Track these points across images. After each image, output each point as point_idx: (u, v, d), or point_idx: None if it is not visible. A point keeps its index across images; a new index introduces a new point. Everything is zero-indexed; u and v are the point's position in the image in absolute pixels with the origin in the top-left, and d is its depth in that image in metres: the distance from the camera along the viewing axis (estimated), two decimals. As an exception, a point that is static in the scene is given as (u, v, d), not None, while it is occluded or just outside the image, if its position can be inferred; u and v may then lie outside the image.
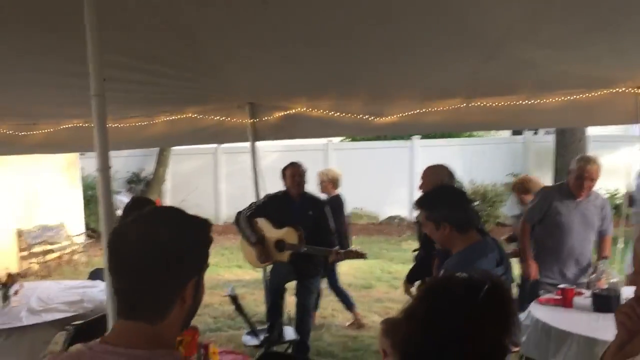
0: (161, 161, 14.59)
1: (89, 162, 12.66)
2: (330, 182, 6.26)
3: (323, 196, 5.97)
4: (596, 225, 4.48)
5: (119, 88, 3.86)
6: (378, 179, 13.99)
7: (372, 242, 11.58)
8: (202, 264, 1.33)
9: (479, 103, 4.94)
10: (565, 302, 3.82)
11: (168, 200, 15.15)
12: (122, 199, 13.89)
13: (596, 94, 4.77)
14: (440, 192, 2.89)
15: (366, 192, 13.85)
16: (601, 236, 4.54)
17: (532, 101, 4.89)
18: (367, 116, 5.05)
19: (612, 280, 3.69)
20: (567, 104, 4.84)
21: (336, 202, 6.10)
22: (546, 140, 13.37)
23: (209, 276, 9.52)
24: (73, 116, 5.21)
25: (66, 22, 2.44)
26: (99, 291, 4.57)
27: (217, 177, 15.16)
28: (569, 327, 3.39)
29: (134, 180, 15.24)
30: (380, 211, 14.17)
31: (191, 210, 1.36)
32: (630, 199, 5.64)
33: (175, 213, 1.32)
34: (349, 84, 4.51)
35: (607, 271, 3.74)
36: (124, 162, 14.08)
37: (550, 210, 4.53)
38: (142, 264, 1.23)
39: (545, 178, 13.36)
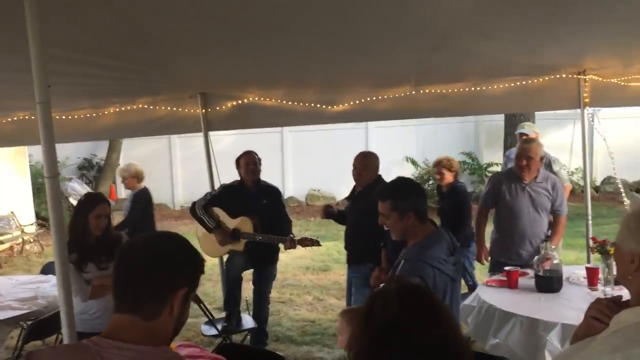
0: (113, 146, 14.27)
1: (37, 150, 12.30)
2: (132, 177, 6.02)
3: (128, 192, 6.00)
4: (547, 207, 4.55)
5: (65, 81, 3.78)
6: (334, 160, 14.05)
7: (329, 223, 11.66)
8: (193, 280, 1.50)
9: (427, 90, 5.04)
10: (510, 283, 3.98)
11: (122, 186, 14.88)
12: (74, 186, 13.60)
13: (541, 80, 4.94)
14: (403, 182, 2.93)
15: (323, 174, 13.96)
16: (555, 216, 4.60)
17: (480, 88, 5.03)
18: (319, 105, 5.09)
19: (555, 262, 3.85)
20: (513, 90, 5.00)
21: (143, 196, 5.99)
22: (496, 119, 13.67)
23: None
24: (18, 109, 5.07)
25: (7, 15, 2.36)
26: (52, 286, 4.51)
27: (172, 162, 14.96)
28: (511, 307, 3.54)
29: (85, 167, 14.88)
30: (337, 192, 14.28)
31: None
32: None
33: (181, 237, 1.54)
34: (299, 74, 4.54)
35: (551, 253, 3.89)
36: (74, 148, 13.69)
37: (501, 194, 4.66)
38: (143, 263, 1.43)
39: (496, 156, 13.74)
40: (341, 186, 14.47)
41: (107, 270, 3.69)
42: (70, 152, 13.67)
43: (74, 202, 13.31)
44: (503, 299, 3.74)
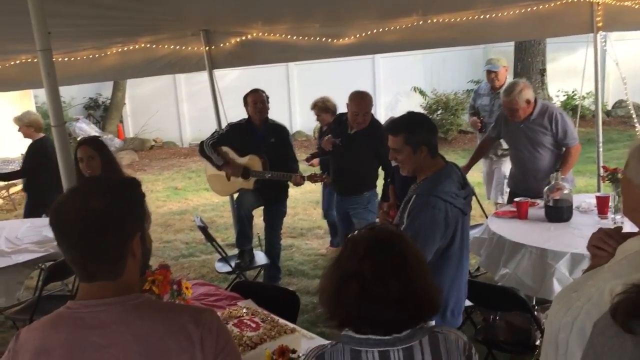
0: (118, 85, 14.14)
1: (42, 92, 12.28)
2: (27, 126, 5.68)
3: (27, 142, 5.70)
4: (547, 143, 4.46)
5: (65, 23, 3.71)
6: (341, 92, 13.88)
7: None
8: (140, 220, 1.44)
9: (435, 20, 4.91)
10: (520, 214, 4.01)
11: (130, 125, 14.87)
12: (82, 126, 13.61)
13: (552, 5, 4.79)
14: (414, 116, 2.86)
15: (330, 107, 13.80)
16: (566, 148, 4.50)
17: (489, 15, 4.89)
18: (325, 38, 4.98)
19: (565, 192, 3.86)
20: (523, 16, 4.86)
21: (40, 147, 5.59)
22: (506, 45, 13.35)
23: (178, 201, 9.56)
24: (21, 52, 5.00)
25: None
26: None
27: (178, 99, 14.83)
28: (521, 238, 3.58)
29: (91, 106, 14.82)
30: (344, 125, 14.21)
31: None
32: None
33: (104, 182, 1.46)
34: (304, 6, 4.42)
35: (561, 182, 3.89)
36: (79, 87, 13.55)
37: (502, 132, 4.77)
38: (86, 235, 1.34)
39: (505, 83, 13.51)
40: (349, 119, 14.43)
41: None
42: (75, 92, 13.56)
43: (83, 142, 13.43)
44: (513, 229, 3.77)
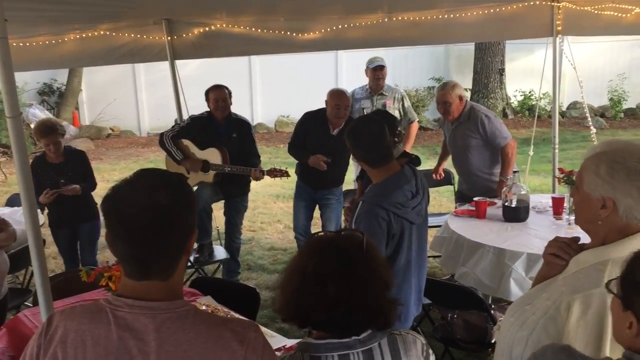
0: (74, 71, 13.75)
1: (-5, 75, 11.84)
2: None
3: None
4: (476, 145, 4.51)
5: (22, 7, 3.58)
6: (304, 86, 13.88)
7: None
8: (194, 216, 1.40)
9: (400, 17, 4.93)
10: (479, 213, 4.07)
11: (86, 112, 14.49)
12: (35, 112, 13.18)
13: (514, 7, 4.87)
14: (354, 130, 2.75)
15: (292, 100, 13.76)
16: (499, 149, 4.52)
17: (452, 15, 4.93)
18: (289, 32, 4.94)
19: (522, 192, 3.94)
20: (486, 18, 4.92)
21: None
22: (466, 45, 13.57)
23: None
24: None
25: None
26: (17, 218, 4.43)
27: (137, 87, 14.51)
28: (479, 238, 3.63)
29: (45, 92, 14.35)
30: (306, 118, 14.19)
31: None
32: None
33: (162, 175, 1.37)
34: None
35: (518, 183, 3.97)
36: (33, 73, 13.12)
37: (444, 132, 4.94)
38: (152, 230, 1.27)
39: (466, 81, 13.72)
40: (310, 112, 14.40)
41: None
42: (28, 78, 13.11)
43: (36, 129, 13.00)
44: (471, 229, 3.82)
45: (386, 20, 4.92)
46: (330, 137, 4.70)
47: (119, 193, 1.31)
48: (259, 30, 4.94)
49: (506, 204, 3.97)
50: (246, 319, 1.89)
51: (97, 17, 4.56)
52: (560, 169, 4.11)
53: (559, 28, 4.92)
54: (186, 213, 1.34)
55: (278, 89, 14.38)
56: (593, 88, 13.11)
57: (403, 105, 5.63)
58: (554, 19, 4.90)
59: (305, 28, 4.96)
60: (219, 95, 4.72)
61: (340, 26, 4.94)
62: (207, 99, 4.78)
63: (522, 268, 3.37)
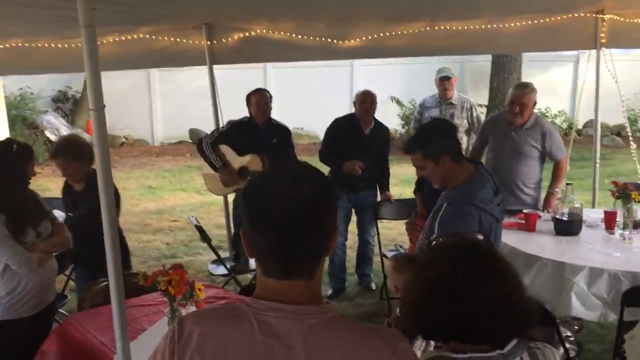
0: (89, 79, 13.70)
1: (11, 80, 11.74)
2: None
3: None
4: (534, 154, 4.41)
5: (60, 5, 3.51)
6: (318, 98, 13.87)
7: (314, 162, 11.56)
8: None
9: (443, 27, 4.88)
10: (529, 226, 3.98)
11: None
12: (50, 119, 13.12)
13: (558, 19, 4.82)
14: (427, 128, 2.87)
15: (306, 112, 13.71)
16: (556, 161, 4.52)
17: (496, 25, 4.89)
18: (330, 39, 4.89)
19: (575, 205, 3.85)
20: (529, 29, 4.89)
21: None
22: (482, 59, 13.54)
23: (154, 201, 9.23)
24: (10, 34, 4.72)
25: None
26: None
27: (151, 96, 14.45)
28: (535, 251, 3.55)
29: (60, 99, 14.29)
30: (320, 131, 14.09)
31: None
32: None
33: (304, 167, 1.26)
34: (309, 4, 4.31)
35: (571, 196, 3.88)
36: (48, 79, 13.05)
37: (488, 139, 4.67)
38: (302, 224, 1.17)
39: (481, 96, 13.67)
40: (325, 125, 14.31)
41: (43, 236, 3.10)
42: (44, 84, 13.05)
43: (51, 136, 12.91)
44: (524, 241, 3.73)
45: (428, 29, 4.88)
46: (364, 135, 4.85)
47: (264, 185, 1.21)
48: (300, 37, 4.90)
49: (557, 216, 3.89)
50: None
51: (138, 19, 4.50)
52: (614, 183, 4.02)
53: (603, 40, 4.87)
54: (332, 209, 1.25)
55: (293, 101, 14.32)
56: (609, 106, 13.03)
57: (471, 114, 5.56)
58: (598, 31, 4.85)
59: (347, 35, 4.92)
60: (261, 98, 4.69)
61: (382, 34, 4.90)
62: (249, 103, 4.73)
63: (584, 282, 3.28)
